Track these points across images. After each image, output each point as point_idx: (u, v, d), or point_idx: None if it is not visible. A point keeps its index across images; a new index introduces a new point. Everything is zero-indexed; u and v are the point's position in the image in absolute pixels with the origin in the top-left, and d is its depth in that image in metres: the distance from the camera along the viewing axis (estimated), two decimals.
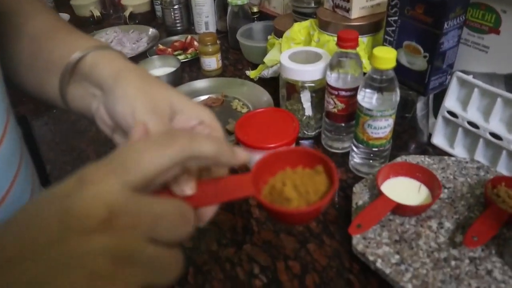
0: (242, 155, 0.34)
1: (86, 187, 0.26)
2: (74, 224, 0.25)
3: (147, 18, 1.43)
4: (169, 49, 1.17)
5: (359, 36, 0.72)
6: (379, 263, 0.54)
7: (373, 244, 0.57)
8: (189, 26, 1.35)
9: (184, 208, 0.29)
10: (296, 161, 0.40)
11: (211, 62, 1.05)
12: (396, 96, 0.63)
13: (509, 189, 0.61)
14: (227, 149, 0.33)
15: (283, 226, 0.64)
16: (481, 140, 0.70)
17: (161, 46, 1.19)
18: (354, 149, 0.70)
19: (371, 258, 0.55)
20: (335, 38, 0.70)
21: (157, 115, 0.36)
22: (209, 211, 0.36)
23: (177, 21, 1.32)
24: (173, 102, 0.39)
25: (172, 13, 1.30)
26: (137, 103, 0.36)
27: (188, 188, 0.33)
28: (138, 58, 1.12)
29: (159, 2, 1.36)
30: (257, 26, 1.14)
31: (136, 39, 1.29)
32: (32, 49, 0.45)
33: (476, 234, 0.54)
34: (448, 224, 0.59)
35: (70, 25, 0.48)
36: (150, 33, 1.32)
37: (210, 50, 1.03)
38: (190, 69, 1.12)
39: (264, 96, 0.90)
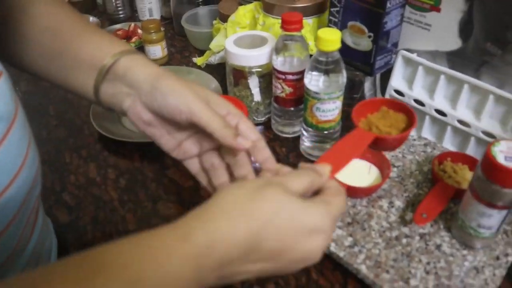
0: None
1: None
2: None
3: (87, 6, 1.36)
4: None
5: (304, 18, 0.71)
6: (333, 247, 0.54)
7: None
8: (133, 14, 1.29)
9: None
10: (365, 111, 0.56)
11: (156, 51, 1.01)
12: (342, 77, 0.62)
13: (455, 164, 0.62)
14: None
15: None
16: (427, 117, 0.71)
17: None
18: (304, 133, 0.69)
19: None
20: (280, 21, 0.69)
21: (207, 105, 0.42)
22: None
23: (119, 8, 1.26)
24: (208, 95, 0.45)
25: (114, 0, 1.24)
26: (189, 96, 0.42)
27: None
28: None
29: None
30: (203, 11, 1.10)
31: None
32: (56, 45, 0.48)
33: (425, 211, 0.55)
34: (398, 203, 0.60)
35: (90, 22, 0.52)
36: (91, 22, 1.26)
37: (154, 38, 0.99)
38: None
39: (212, 84, 0.87)
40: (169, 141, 0.47)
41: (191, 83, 0.45)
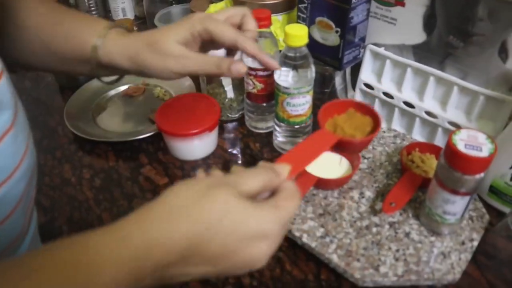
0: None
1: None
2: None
3: None
4: None
5: (274, 14, 0.72)
6: (305, 238, 0.56)
7: (299, 220, 0.58)
8: (106, 14, 1.28)
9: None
10: (332, 112, 0.56)
11: None
12: (311, 72, 0.63)
13: (422, 154, 0.64)
14: None
15: None
16: (396, 109, 0.73)
17: None
18: (277, 128, 0.71)
19: (297, 234, 0.56)
20: None
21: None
22: None
23: (92, 8, 1.25)
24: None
25: (86, 1, 1.23)
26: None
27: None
28: None
29: None
30: (176, 10, 1.10)
31: None
32: (42, 39, 0.52)
33: (394, 200, 0.57)
34: (368, 193, 0.62)
35: (67, 8, 0.55)
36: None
37: None
38: None
39: (186, 82, 0.88)
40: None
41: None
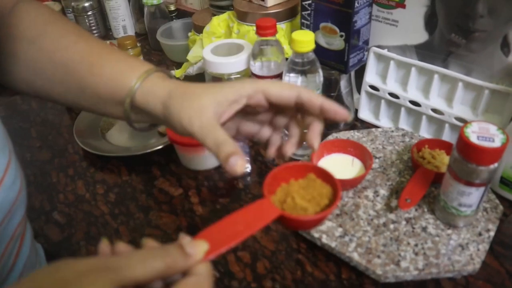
0: (196, 250, 0.32)
1: None
2: None
3: None
4: None
5: (278, 22, 0.74)
6: (324, 239, 0.56)
7: None
8: (107, 32, 1.30)
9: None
10: (288, 176, 0.43)
11: None
12: (319, 77, 0.65)
13: (432, 151, 0.65)
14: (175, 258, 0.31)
15: None
16: (402, 109, 0.74)
17: None
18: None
19: (316, 235, 0.57)
20: (255, 28, 0.71)
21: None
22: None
23: (93, 27, 1.27)
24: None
25: (87, 20, 1.25)
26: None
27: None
28: None
29: (70, 10, 1.30)
30: (177, 24, 1.12)
31: None
32: (74, 77, 0.47)
33: (409, 196, 0.58)
34: (383, 191, 0.62)
35: (102, 42, 0.49)
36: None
37: (131, 54, 1.01)
38: None
39: None
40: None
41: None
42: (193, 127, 0.39)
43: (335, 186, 0.42)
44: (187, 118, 0.40)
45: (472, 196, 0.53)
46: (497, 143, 0.48)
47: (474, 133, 0.49)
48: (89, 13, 1.23)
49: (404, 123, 0.76)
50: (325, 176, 0.43)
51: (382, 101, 0.76)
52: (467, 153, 0.49)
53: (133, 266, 0.29)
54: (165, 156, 0.77)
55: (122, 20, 1.22)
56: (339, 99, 0.77)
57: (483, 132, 0.49)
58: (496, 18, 0.61)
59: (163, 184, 0.73)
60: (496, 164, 0.49)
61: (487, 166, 0.49)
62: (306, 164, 0.45)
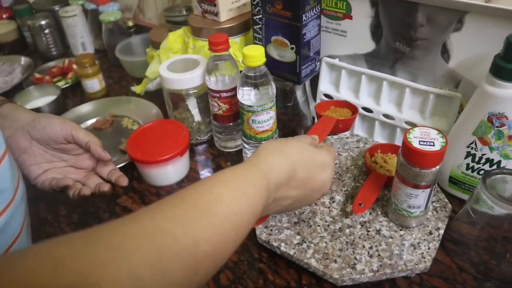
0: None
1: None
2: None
3: (17, 46, 1.34)
4: (47, 77, 1.11)
5: (231, 37, 0.76)
6: (283, 247, 0.58)
7: (275, 231, 0.60)
8: (65, 50, 1.29)
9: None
10: (320, 109, 0.72)
11: (94, 84, 1.02)
12: (272, 89, 0.67)
13: (384, 155, 0.68)
14: None
15: None
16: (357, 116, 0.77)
17: (37, 75, 1.12)
18: (246, 145, 0.73)
19: (275, 244, 0.58)
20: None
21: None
22: None
23: (51, 45, 1.26)
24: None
25: (44, 38, 1.24)
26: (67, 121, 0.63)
27: None
28: (13, 92, 1.04)
29: (27, 28, 1.28)
30: (135, 40, 1.13)
31: (8, 71, 1.21)
32: None
33: (362, 200, 0.60)
34: (338, 197, 0.65)
35: None
36: (23, 62, 1.24)
37: (90, 71, 1.01)
38: (73, 94, 1.08)
39: (153, 110, 0.90)
40: (36, 169, 0.62)
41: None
42: (75, 126, 0.64)
43: (350, 105, 0.72)
44: (63, 121, 0.63)
45: (419, 198, 0.55)
46: (437, 147, 0.50)
47: (416, 138, 0.52)
48: (46, 31, 1.22)
49: (359, 129, 0.79)
50: (340, 104, 0.73)
51: None
52: (411, 158, 0.52)
53: (302, 138, 0.57)
54: (127, 173, 0.77)
55: (81, 37, 1.22)
56: (295, 109, 0.80)
57: (424, 137, 0.52)
58: (435, 27, 0.64)
59: (126, 202, 0.73)
60: (438, 167, 0.52)
61: (430, 169, 0.52)
62: (328, 101, 0.76)
